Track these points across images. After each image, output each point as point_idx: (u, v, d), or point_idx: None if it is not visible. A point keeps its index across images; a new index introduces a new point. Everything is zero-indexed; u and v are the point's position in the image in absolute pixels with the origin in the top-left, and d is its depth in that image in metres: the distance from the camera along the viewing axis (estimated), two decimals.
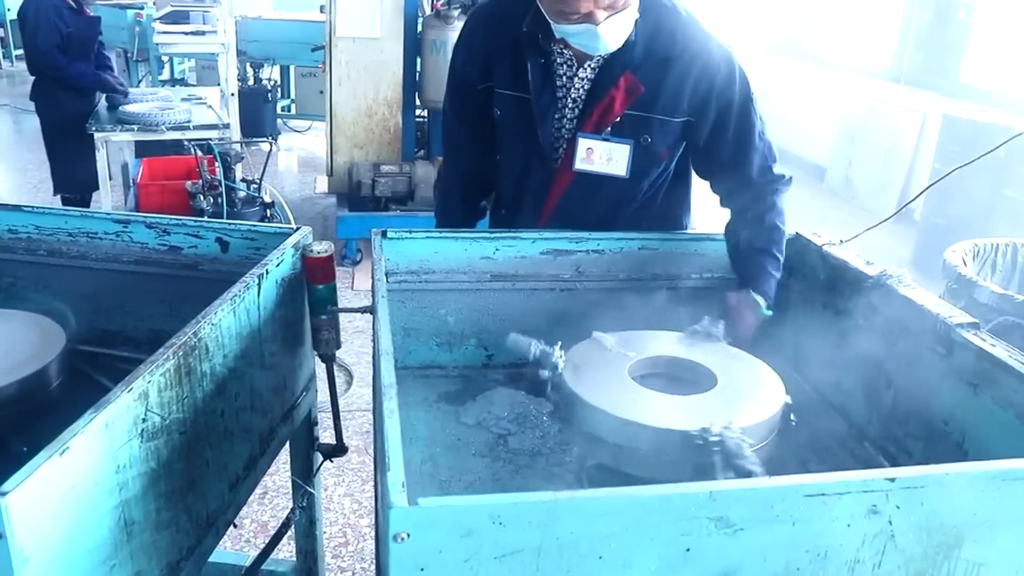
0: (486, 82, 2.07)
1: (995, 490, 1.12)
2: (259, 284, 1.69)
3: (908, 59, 7.83)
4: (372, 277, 1.74)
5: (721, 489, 1.03)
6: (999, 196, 5.27)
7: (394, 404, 1.18)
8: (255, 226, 2.02)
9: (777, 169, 2.05)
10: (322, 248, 1.88)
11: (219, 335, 1.53)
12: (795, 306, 2.10)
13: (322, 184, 7.23)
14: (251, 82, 9.06)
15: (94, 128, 4.72)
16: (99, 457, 1.17)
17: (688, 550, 1.04)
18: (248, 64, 9.11)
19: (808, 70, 9.34)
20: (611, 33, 1.80)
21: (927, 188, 1.95)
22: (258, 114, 8.68)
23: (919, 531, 1.12)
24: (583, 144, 1.97)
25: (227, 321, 1.56)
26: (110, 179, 5.00)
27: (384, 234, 1.95)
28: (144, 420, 1.29)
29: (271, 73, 9.41)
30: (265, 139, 5.45)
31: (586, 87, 1.97)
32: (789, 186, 2.08)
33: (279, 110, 9.60)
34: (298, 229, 1.96)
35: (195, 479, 1.49)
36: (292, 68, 9.85)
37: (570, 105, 1.99)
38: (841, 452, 1.83)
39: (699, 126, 1.98)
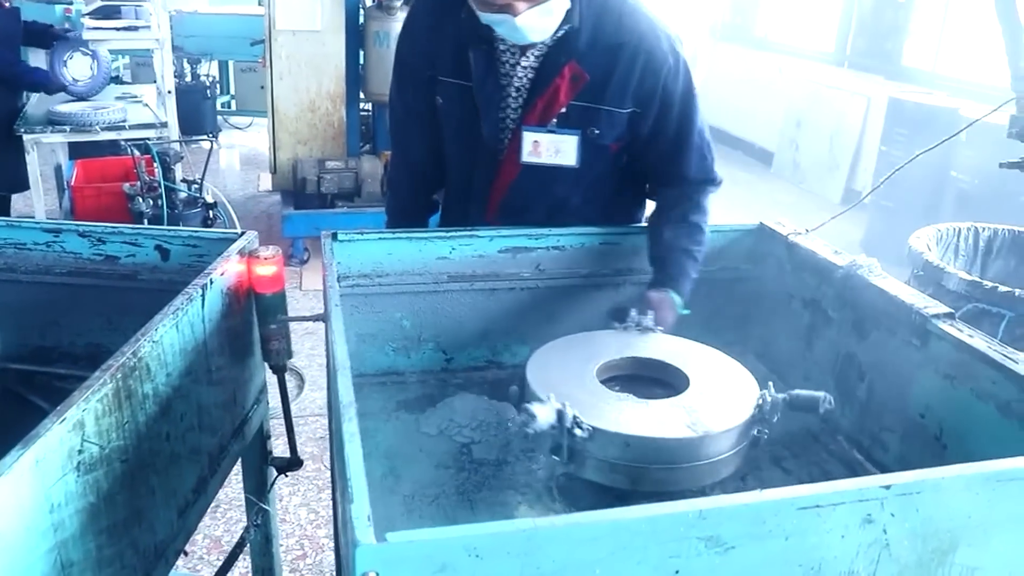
0: (431, 70, 1.99)
1: (990, 492, 1.07)
2: (203, 295, 1.59)
3: (851, 43, 7.90)
4: (324, 283, 1.65)
5: (711, 507, 0.96)
6: (946, 178, 5.32)
7: (355, 426, 1.10)
8: (196, 232, 1.91)
9: (712, 170, 1.99)
10: (269, 254, 1.78)
11: (161, 353, 1.43)
12: (761, 298, 2.05)
13: (266, 182, 7.05)
14: (189, 78, 8.81)
15: (23, 130, 4.50)
16: (30, 498, 1.06)
17: (677, 572, 0.97)
18: (185, 60, 8.86)
19: (753, 55, 9.39)
20: (532, 25, 1.73)
21: (892, 173, 1.91)
22: (197, 111, 8.44)
23: (914, 538, 1.07)
24: (528, 137, 1.89)
25: (169, 337, 1.46)
26: (41, 182, 4.77)
27: (335, 236, 1.86)
28: (80, 452, 1.19)
29: (209, 69, 9.15)
30: (205, 137, 5.28)
31: (530, 76, 1.89)
32: (718, 188, 2.03)
33: (219, 107, 9.36)
34: (243, 234, 1.85)
35: (141, 509, 1.38)
36: (231, 63, 9.60)
37: (513, 95, 1.91)
38: (815, 447, 1.79)
39: (644, 117, 1.90)
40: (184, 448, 1.55)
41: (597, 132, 1.89)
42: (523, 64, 1.89)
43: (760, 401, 1.48)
